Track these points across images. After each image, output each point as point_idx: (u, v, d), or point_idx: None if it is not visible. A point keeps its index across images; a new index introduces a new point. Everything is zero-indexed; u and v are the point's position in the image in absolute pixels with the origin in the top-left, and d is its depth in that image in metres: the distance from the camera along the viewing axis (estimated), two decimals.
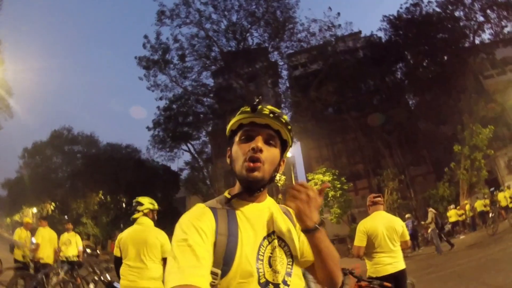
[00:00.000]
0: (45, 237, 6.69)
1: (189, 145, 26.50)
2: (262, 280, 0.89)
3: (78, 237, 7.52)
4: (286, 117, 0.99)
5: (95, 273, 5.70)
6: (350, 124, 22.93)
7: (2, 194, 51.30)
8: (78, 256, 7.12)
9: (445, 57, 24.56)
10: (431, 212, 12.27)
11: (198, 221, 0.87)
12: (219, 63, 23.55)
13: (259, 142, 0.95)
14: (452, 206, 16.28)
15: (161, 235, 2.98)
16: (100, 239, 31.81)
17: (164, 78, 23.66)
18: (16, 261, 6.92)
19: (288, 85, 25.20)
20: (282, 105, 22.64)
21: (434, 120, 23.33)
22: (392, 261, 3.27)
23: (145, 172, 27.67)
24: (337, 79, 22.30)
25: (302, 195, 0.94)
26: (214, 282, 0.84)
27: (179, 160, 44.42)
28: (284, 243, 0.98)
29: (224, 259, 0.86)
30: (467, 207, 15.90)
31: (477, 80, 23.58)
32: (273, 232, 0.98)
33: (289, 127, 1.01)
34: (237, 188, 1.00)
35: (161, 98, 23.96)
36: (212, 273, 0.83)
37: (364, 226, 3.41)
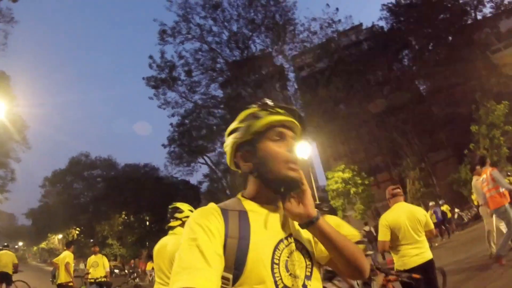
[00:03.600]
0: (63, 260, 7.13)
1: (205, 157, 26.80)
2: (281, 286, 0.84)
3: (105, 259, 7.89)
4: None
5: None
6: (363, 118, 22.82)
7: (27, 224, 52.65)
8: (106, 277, 7.51)
9: (450, 38, 24.25)
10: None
11: (206, 221, 0.84)
12: (226, 73, 23.77)
13: (294, 145, 0.96)
14: None
15: None
16: (127, 259, 32.36)
17: (173, 95, 24.02)
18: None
19: (296, 86, 25.27)
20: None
21: (447, 102, 23.01)
22: (418, 252, 3.23)
23: (165, 189, 28.13)
24: (344, 74, 22.24)
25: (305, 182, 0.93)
26: None
27: (198, 174, 44.99)
28: (302, 245, 0.94)
29: (235, 263, 0.81)
30: None
31: (485, 56, 23.10)
32: (290, 235, 0.93)
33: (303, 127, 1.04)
34: (252, 189, 0.97)
35: (173, 115, 24.34)
36: (223, 277, 0.79)
37: (386, 219, 3.38)
